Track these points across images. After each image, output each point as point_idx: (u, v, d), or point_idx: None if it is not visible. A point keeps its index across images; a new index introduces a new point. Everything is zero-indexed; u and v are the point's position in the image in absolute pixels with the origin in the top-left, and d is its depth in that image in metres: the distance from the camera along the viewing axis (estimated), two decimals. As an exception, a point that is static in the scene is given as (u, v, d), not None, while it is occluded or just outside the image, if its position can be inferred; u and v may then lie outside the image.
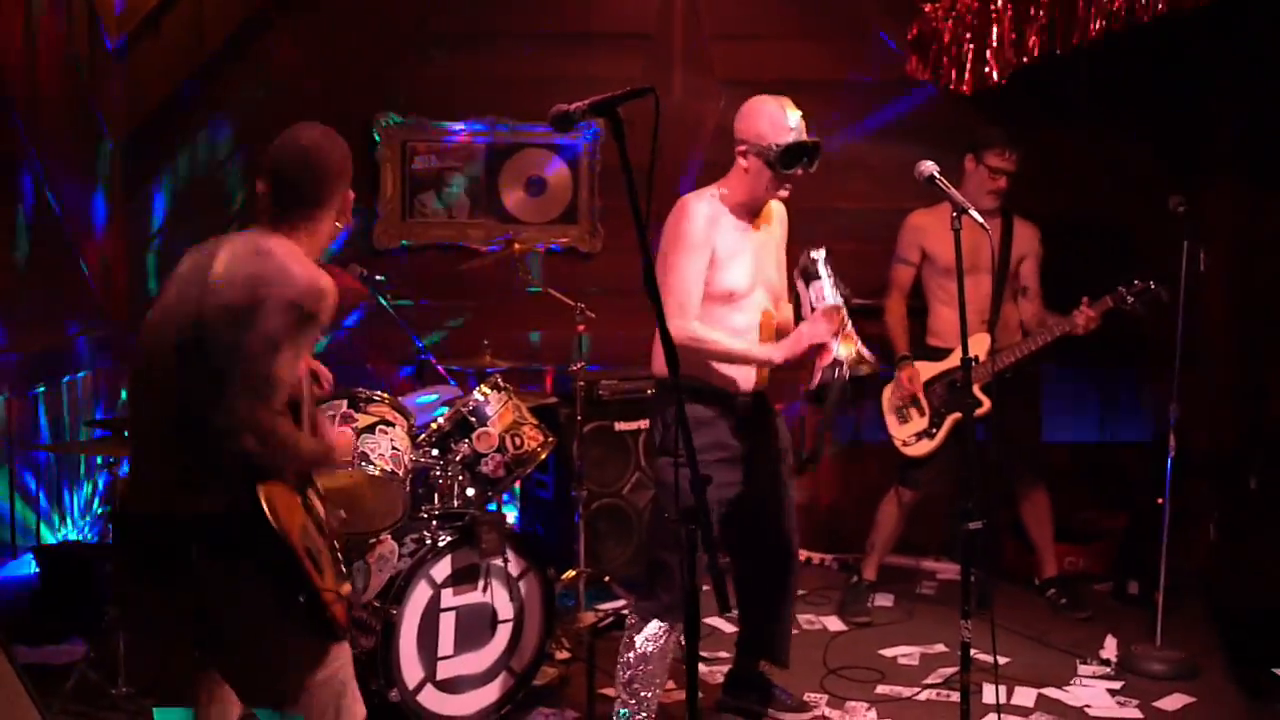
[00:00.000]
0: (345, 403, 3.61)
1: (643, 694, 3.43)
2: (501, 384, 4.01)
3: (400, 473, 3.58)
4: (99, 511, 5.21)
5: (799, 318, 3.48)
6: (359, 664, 3.55)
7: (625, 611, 3.77)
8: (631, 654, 3.43)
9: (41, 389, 4.89)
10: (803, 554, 5.55)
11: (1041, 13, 4.61)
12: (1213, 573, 4.96)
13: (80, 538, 5.11)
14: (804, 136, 3.37)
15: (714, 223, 3.38)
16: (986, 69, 4.80)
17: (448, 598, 3.68)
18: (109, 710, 3.68)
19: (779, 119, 3.36)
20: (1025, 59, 4.69)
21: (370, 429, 3.56)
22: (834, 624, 4.74)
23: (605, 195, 5.56)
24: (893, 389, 4.76)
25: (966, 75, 4.88)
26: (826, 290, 3.35)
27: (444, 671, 3.67)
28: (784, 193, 3.45)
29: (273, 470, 2.39)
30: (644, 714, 3.43)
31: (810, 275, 3.40)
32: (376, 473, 3.52)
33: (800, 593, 5.02)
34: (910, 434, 4.73)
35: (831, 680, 4.16)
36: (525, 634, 3.83)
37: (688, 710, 2.38)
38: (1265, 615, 4.43)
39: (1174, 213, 4.16)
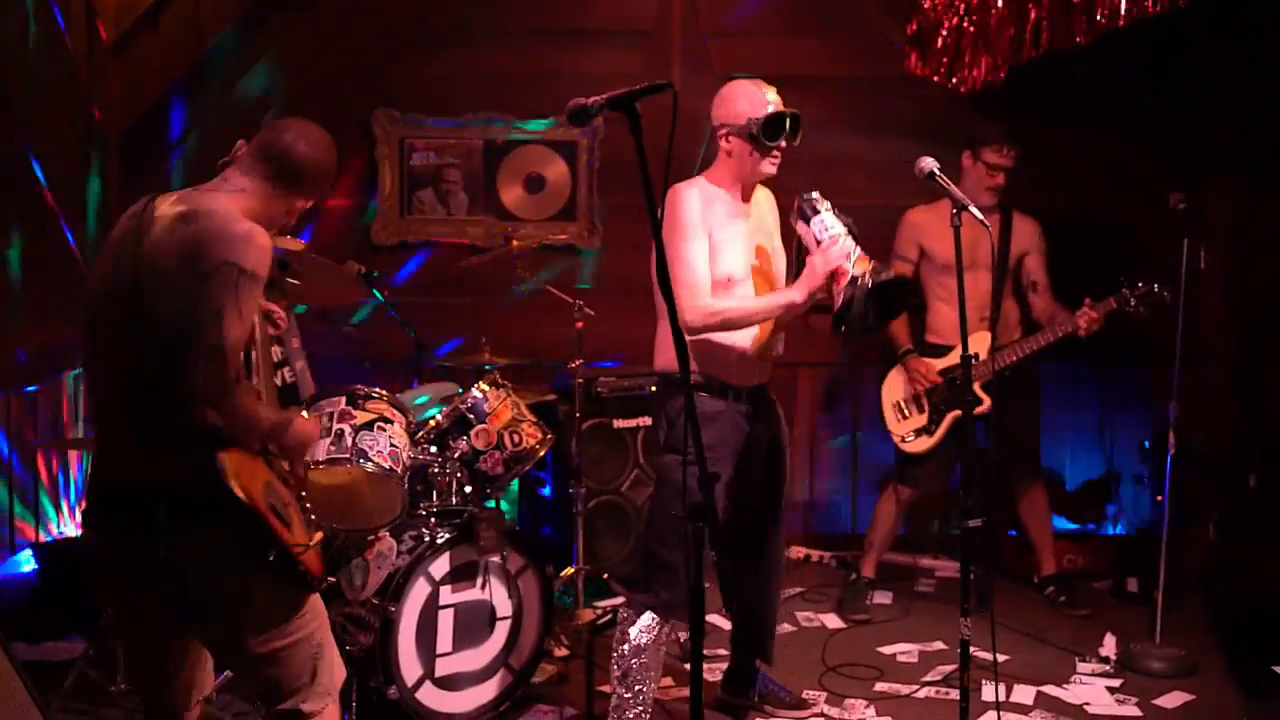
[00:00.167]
0: (344, 400, 3.61)
1: (638, 688, 3.41)
2: (500, 381, 4.01)
3: (399, 470, 3.58)
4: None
5: (797, 272, 3.41)
6: (358, 661, 3.57)
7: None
8: (626, 646, 3.41)
9: (39, 386, 4.88)
10: (801, 551, 5.56)
11: (1041, 9, 4.61)
12: (1212, 571, 4.96)
13: (79, 535, 5.10)
14: (783, 109, 3.36)
15: (707, 204, 3.38)
16: (985, 65, 4.79)
17: (446, 595, 3.67)
18: (108, 707, 3.68)
19: (755, 95, 3.37)
20: (1024, 55, 4.68)
21: (369, 426, 3.56)
22: (832, 621, 4.73)
23: (604, 192, 5.55)
24: (903, 382, 4.75)
25: (965, 72, 4.87)
26: (829, 220, 3.29)
27: (443, 669, 3.67)
28: (771, 168, 3.41)
29: (233, 440, 2.39)
30: (640, 708, 3.42)
31: (809, 213, 3.33)
32: (375, 469, 3.52)
33: (799, 590, 5.04)
34: (909, 431, 4.72)
35: (830, 678, 4.16)
36: (524, 631, 3.82)
37: (691, 707, 2.37)
38: (1264, 613, 4.43)
39: (1174, 210, 4.15)
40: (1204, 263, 4.12)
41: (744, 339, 3.44)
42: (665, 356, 3.48)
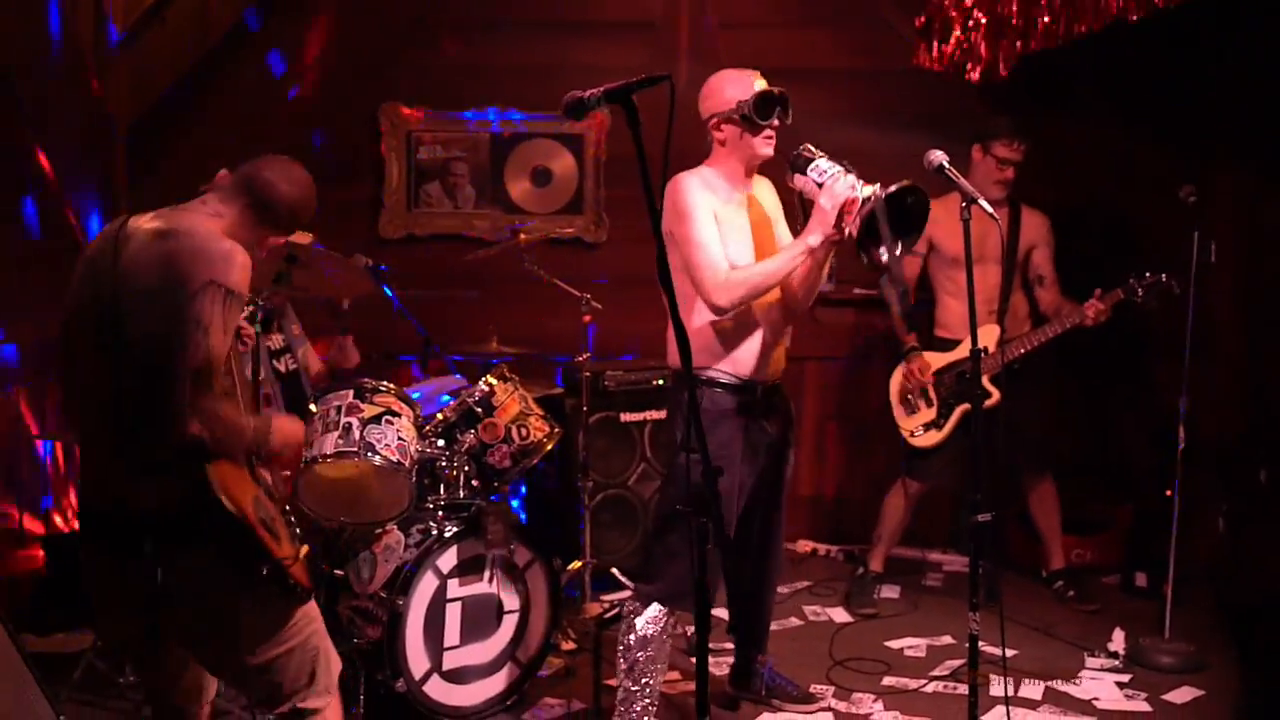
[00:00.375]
0: (351, 393, 3.61)
1: (644, 681, 3.41)
2: (507, 374, 4.01)
3: (406, 463, 3.58)
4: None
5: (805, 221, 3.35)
6: (365, 654, 3.58)
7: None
8: (632, 637, 3.41)
9: (46, 379, 4.88)
10: (808, 545, 5.56)
11: (1051, 1, 4.58)
12: (1221, 565, 4.94)
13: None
14: (770, 89, 3.35)
15: (709, 187, 3.38)
16: (994, 58, 4.77)
17: (454, 588, 3.67)
18: (116, 699, 3.70)
19: (741, 79, 3.37)
20: (1034, 47, 4.66)
21: (376, 419, 3.56)
22: (840, 615, 4.73)
23: (611, 185, 5.54)
24: (903, 379, 4.74)
25: (974, 64, 4.85)
26: (824, 164, 3.23)
27: (450, 662, 3.67)
28: (768, 148, 3.38)
29: (220, 453, 2.39)
30: (647, 701, 3.42)
31: (803, 164, 3.27)
32: (382, 463, 3.52)
33: (806, 584, 5.04)
34: (918, 425, 4.71)
35: (838, 672, 4.15)
36: (531, 625, 3.83)
37: (697, 701, 2.37)
38: (1274, 608, 4.41)
39: (1184, 203, 4.14)
40: (1214, 256, 4.10)
41: (756, 326, 3.43)
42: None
